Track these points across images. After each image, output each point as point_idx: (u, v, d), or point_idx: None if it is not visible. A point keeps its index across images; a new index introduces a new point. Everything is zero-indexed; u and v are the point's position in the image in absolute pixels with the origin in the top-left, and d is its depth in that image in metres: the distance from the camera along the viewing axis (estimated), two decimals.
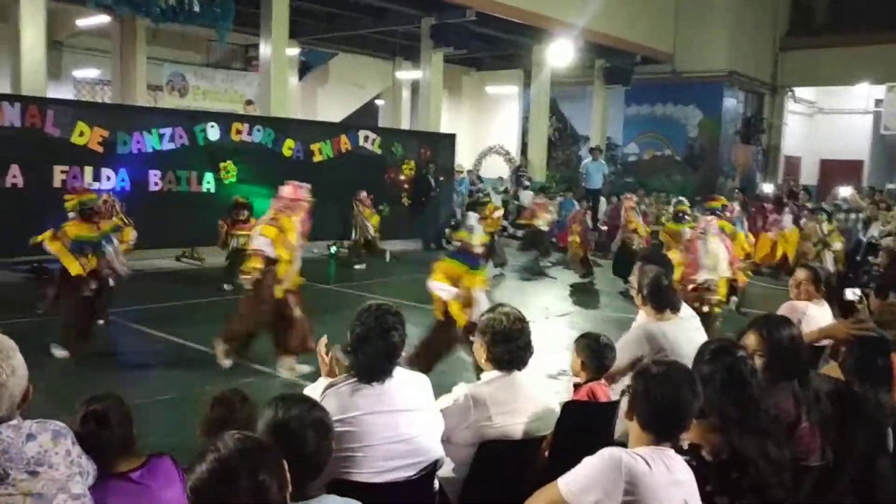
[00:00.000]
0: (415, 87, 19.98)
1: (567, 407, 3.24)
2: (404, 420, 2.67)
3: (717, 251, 7.09)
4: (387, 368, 2.71)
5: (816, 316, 4.49)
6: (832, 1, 22.51)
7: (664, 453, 2.20)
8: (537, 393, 3.11)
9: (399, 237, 15.35)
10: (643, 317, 4.22)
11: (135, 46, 16.35)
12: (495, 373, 3.04)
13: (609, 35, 18.64)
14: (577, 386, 3.72)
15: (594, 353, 3.68)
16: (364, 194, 13.22)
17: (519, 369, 3.05)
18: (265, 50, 13.45)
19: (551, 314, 9.83)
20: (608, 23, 18.12)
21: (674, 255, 7.00)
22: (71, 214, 6.86)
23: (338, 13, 17.62)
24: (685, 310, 4.18)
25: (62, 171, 10.42)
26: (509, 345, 3.01)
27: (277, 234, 6.11)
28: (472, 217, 6.66)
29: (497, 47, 20.52)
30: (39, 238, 6.81)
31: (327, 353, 2.93)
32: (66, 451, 2.02)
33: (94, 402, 2.31)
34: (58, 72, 17.89)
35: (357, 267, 12.84)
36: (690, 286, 6.73)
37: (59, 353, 6.59)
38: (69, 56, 18.01)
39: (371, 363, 2.69)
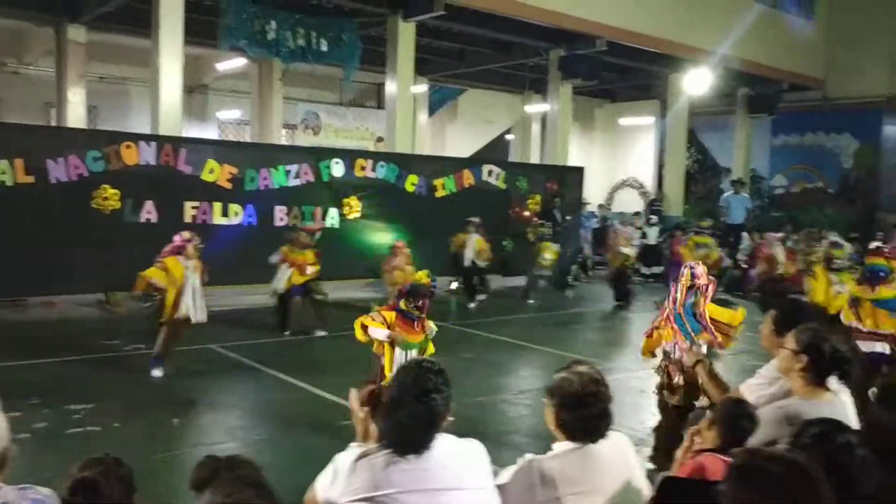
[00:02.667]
0: (544, 120, 19.63)
1: (666, 485, 2.72)
2: (448, 501, 2.26)
3: None
4: (423, 439, 2.30)
5: None
6: None
7: None
8: (622, 468, 2.59)
9: (523, 274, 14.92)
10: (773, 371, 3.59)
11: (271, 87, 17.02)
12: (567, 444, 2.55)
13: (752, 62, 17.61)
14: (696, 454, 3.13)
15: (731, 420, 3.03)
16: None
17: (593, 441, 2.56)
18: (391, 87, 13.55)
19: None
20: (751, 49, 17.11)
21: None
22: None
23: (466, 49, 17.63)
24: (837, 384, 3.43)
25: (193, 207, 10.82)
26: (581, 411, 2.53)
27: (160, 274, 7.15)
28: None
29: (630, 77, 19.86)
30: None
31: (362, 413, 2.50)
32: None
33: (88, 467, 2.06)
34: (203, 113, 18.97)
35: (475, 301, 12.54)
36: None
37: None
38: (214, 98, 19.03)
39: (404, 431, 2.29)
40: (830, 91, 19.58)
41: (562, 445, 2.56)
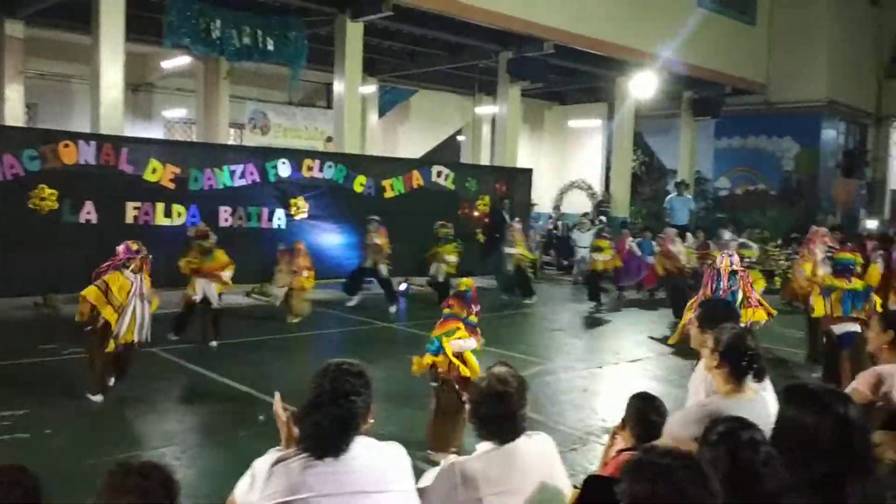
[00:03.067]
0: (495, 122, 19.76)
1: (589, 484, 2.76)
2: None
3: None
4: (340, 441, 2.28)
5: None
6: None
7: None
8: (543, 469, 2.62)
9: (473, 274, 14.96)
10: (703, 378, 3.67)
11: (218, 86, 16.79)
12: (488, 445, 2.58)
13: (696, 66, 17.97)
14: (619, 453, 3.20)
15: (642, 418, 3.14)
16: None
17: (503, 442, 2.58)
18: (339, 87, 13.48)
19: (622, 359, 9.21)
20: (695, 53, 17.46)
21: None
22: None
23: (416, 50, 17.63)
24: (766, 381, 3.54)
25: (134, 208, 10.61)
26: (487, 411, 2.57)
27: (98, 294, 6.36)
28: None
29: (578, 80, 20.09)
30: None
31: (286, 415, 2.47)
32: None
33: None
34: (149, 112, 18.61)
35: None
36: None
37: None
38: (159, 96, 18.68)
39: (321, 434, 2.26)
40: (772, 95, 20.08)
41: (483, 446, 2.59)
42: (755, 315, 6.64)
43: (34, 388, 6.85)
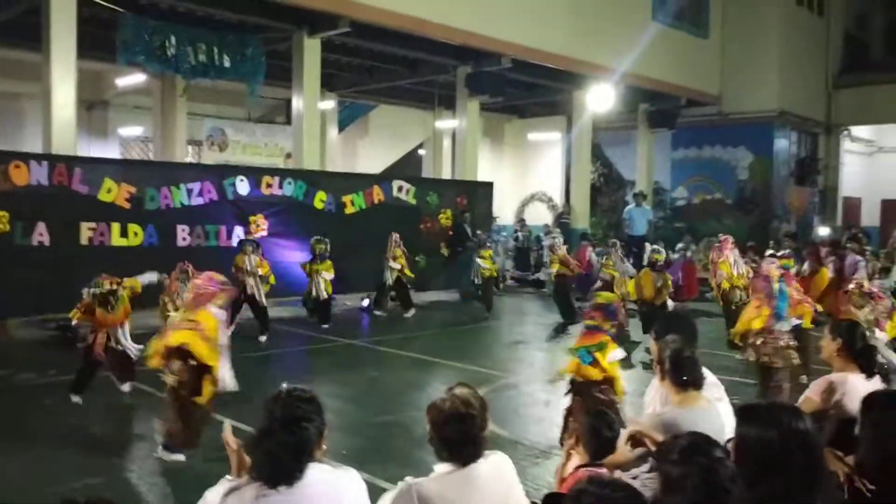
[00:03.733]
0: (455, 135, 19.86)
1: (546, 502, 2.78)
2: None
3: None
4: (293, 469, 2.25)
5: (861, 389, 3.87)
6: (887, 36, 21.72)
7: None
8: (501, 489, 2.62)
9: (436, 288, 15.02)
10: (657, 390, 3.72)
11: (175, 103, 16.60)
12: (446, 466, 2.57)
13: (652, 79, 18.27)
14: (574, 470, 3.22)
15: (595, 434, 3.18)
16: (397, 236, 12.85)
17: (465, 464, 2.57)
18: (297, 103, 13.43)
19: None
20: (650, 66, 17.75)
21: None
22: None
23: (375, 66, 17.64)
24: (714, 390, 3.63)
25: (89, 228, 10.43)
26: (448, 433, 2.55)
27: (193, 337, 5.35)
28: None
29: (537, 94, 20.29)
30: None
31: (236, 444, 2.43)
32: None
33: None
34: (104, 130, 18.33)
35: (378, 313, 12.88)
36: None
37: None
38: (114, 114, 18.42)
39: (273, 462, 2.23)
40: (726, 106, 20.49)
41: (441, 467, 2.58)
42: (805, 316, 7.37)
43: None
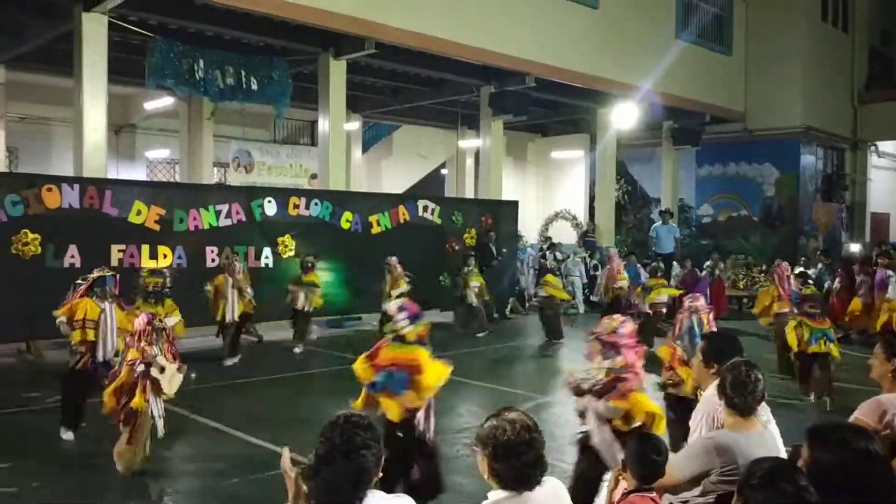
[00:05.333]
0: (478, 155, 19.89)
1: None
2: None
3: None
4: (352, 498, 2.20)
5: None
6: None
7: None
8: None
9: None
10: (705, 412, 3.65)
11: (201, 125, 16.77)
12: (501, 493, 2.51)
13: (676, 96, 18.20)
14: (625, 496, 3.14)
15: (642, 459, 3.10)
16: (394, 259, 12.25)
17: (529, 489, 2.51)
18: (324, 125, 13.51)
19: None
20: (675, 84, 17.70)
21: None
22: None
23: (399, 86, 17.74)
24: (762, 412, 3.51)
25: (119, 250, 10.50)
26: (514, 461, 2.48)
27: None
28: None
29: (560, 112, 20.29)
30: None
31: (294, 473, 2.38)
32: None
33: None
34: (132, 153, 18.58)
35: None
36: None
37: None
38: (142, 137, 18.67)
39: (332, 491, 2.18)
40: (751, 123, 20.37)
41: (496, 494, 2.53)
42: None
43: (19, 439, 6.68)
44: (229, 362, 10.19)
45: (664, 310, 12.01)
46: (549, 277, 13.19)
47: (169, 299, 8.44)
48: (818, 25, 20.52)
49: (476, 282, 13.27)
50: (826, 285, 13.90)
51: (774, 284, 10.71)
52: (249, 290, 10.41)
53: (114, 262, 10.36)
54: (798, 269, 15.61)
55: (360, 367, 4.80)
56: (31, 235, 9.73)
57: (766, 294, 11.00)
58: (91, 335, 6.59)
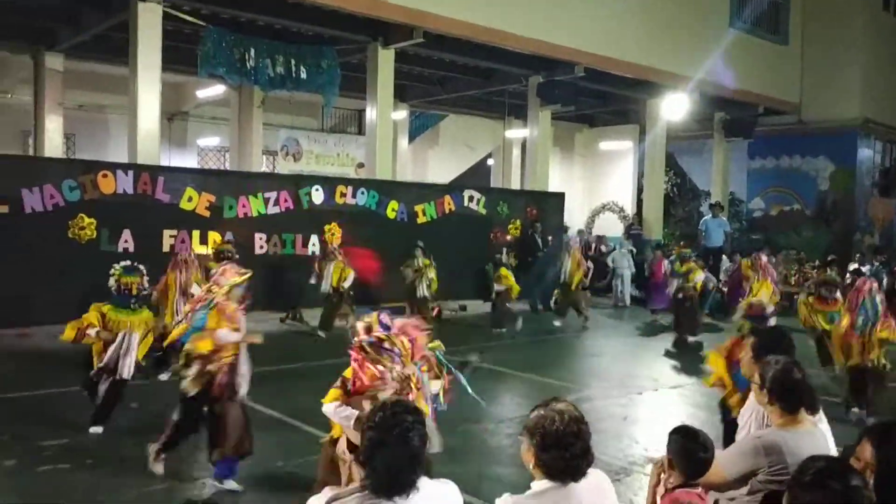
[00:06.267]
0: (525, 145, 19.77)
1: None
2: None
3: None
4: (412, 479, 2.23)
5: None
6: None
7: None
8: None
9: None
10: (754, 410, 3.58)
11: (251, 114, 17.00)
12: (546, 483, 2.50)
13: (728, 87, 17.81)
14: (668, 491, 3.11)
15: (689, 456, 3.05)
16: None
17: (575, 480, 2.50)
18: (371, 114, 13.58)
19: (661, 385, 9.06)
20: (728, 74, 17.31)
21: None
22: None
23: (446, 76, 17.72)
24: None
25: (171, 236, 10.73)
26: (562, 452, 2.46)
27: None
28: None
29: (609, 103, 20.04)
30: None
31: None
32: None
33: None
34: (183, 140, 18.91)
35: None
36: None
37: None
38: (194, 125, 18.99)
39: (392, 474, 2.21)
40: (805, 115, 19.87)
41: (540, 484, 2.52)
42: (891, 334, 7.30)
43: (75, 417, 6.85)
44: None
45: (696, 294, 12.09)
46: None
47: (147, 309, 7.14)
48: (879, 14, 19.91)
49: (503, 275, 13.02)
50: (885, 283, 13.51)
51: (764, 278, 10.75)
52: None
53: (165, 248, 10.61)
54: (853, 266, 15.23)
55: None
56: (87, 220, 10.01)
57: (761, 289, 10.73)
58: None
